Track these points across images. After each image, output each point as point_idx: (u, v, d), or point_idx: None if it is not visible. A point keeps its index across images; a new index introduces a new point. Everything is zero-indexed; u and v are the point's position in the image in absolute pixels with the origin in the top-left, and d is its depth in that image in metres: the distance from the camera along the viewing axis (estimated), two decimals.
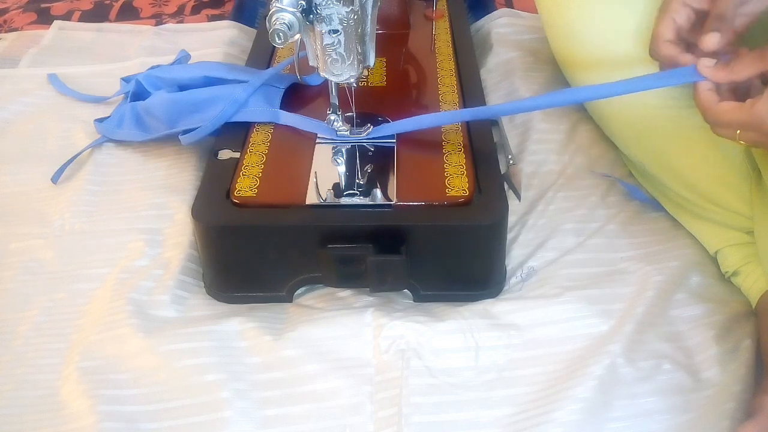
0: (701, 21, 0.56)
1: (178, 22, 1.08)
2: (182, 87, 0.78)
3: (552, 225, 0.73)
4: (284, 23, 0.55)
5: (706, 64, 0.54)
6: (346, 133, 0.69)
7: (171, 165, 0.79)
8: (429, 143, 0.69)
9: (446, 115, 0.71)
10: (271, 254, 0.63)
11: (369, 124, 0.69)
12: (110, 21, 1.10)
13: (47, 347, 0.62)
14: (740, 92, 0.55)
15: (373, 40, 0.62)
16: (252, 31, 1.04)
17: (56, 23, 1.07)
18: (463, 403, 0.57)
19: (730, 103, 0.53)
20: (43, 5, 1.14)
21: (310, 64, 0.63)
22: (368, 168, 0.66)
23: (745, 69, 0.52)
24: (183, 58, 0.91)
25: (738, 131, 0.53)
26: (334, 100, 0.67)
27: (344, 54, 0.60)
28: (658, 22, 0.59)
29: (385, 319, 0.61)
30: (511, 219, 0.72)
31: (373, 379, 0.59)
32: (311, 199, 0.63)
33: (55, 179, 0.77)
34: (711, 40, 0.54)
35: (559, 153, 0.80)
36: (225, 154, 0.68)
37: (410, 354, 0.60)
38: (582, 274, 0.67)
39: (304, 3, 0.56)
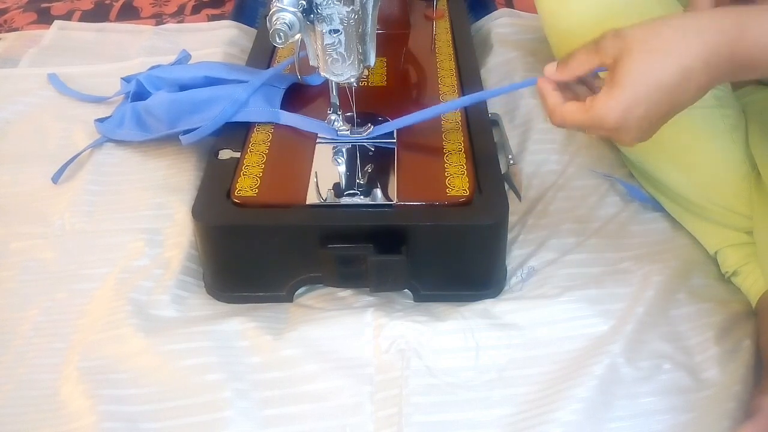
0: None
1: (178, 22, 1.08)
2: (183, 87, 0.78)
3: (552, 225, 0.73)
4: (285, 23, 0.55)
5: (549, 70, 0.54)
6: (346, 132, 0.69)
7: (171, 165, 0.79)
8: (429, 143, 0.69)
9: (443, 106, 0.70)
10: (272, 254, 0.63)
11: (369, 124, 0.69)
12: (110, 21, 1.10)
13: (47, 347, 0.62)
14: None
15: (373, 39, 0.62)
16: (252, 31, 1.04)
17: (56, 23, 1.07)
18: (463, 403, 0.57)
19: (572, 105, 0.52)
20: (43, 5, 1.14)
21: (311, 63, 0.63)
22: (369, 168, 0.66)
23: (580, 66, 0.52)
24: (183, 58, 0.91)
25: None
26: (335, 99, 0.67)
27: (345, 54, 0.60)
28: None
29: (386, 318, 0.61)
30: (511, 219, 0.72)
31: (373, 379, 0.59)
32: (312, 199, 0.63)
33: (55, 179, 0.77)
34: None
35: (559, 153, 0.80)
36: (225, 154, 0.68)
37: (410, 354, 0.60)
38: (582, 274, 0.67)
39: (304, 3, 0.56)
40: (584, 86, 0.55)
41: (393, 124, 0.68)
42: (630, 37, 0.48)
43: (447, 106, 0.70)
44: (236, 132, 0.71)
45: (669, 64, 0.47)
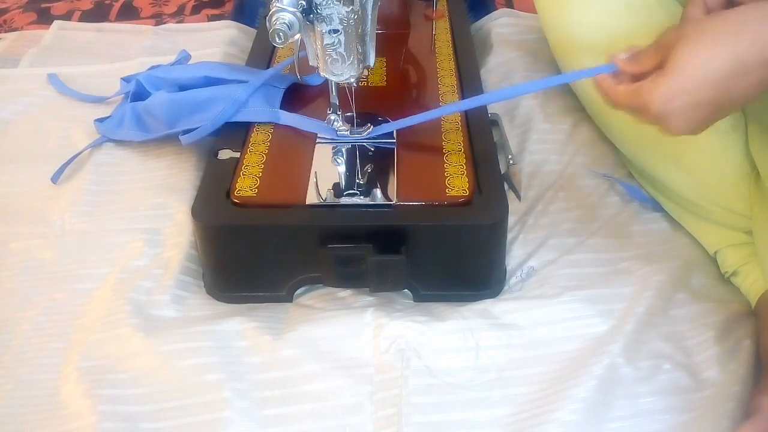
0: (733, 4, 0.53)
1: (178, 22, 1.08)
2: (182, 87, 0.78)
3: (552, 225, 0.73)
4: (284, 23, 0.55)
5: (620, 57, 0.53)
6: (346, 133, 0.69)
7: (171, 165, 0.79)
8: (429, 143, 0.69)
9: (443, 108, 0.70)
10: (271, 254, 0.63)
11: (369, 124, 0.69)
12: (110, 21, 1.10)
13: (47, 347, 0.62)
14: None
15: (373, 39, 0.62)
16: (252, 31, 1.04)
17: (56, 23, 1.07)
18: (463, 403, 0.58)
19: (623, 88, 0.51)
20: (43, 5, 1.14)
21: (311, 64, 0.63)
22: (368, 168, 0.66)
23: (648, 60, 0.50)
24: (183, 59, 0.91)
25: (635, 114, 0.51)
26: (334, 100, 0.67)
27: (344, 54, 0.60)
28: (689, 2, 0.56)
29: (385, 318, 0.61)
30: (511, 219, 0.72)
31: (373, 379, 0.59)
32: (311, 198, 0.63)
33: (55, 179, 0.77)
34: None
35: (559, 153, 0.80)
36: (225, 154, 0.68)
37: (410, 354, 0.60)
38: (582, 274, 0.67)
39: (304, 3, 0.56)
40: None
41: (393, 125, 0.68)
42: (687, 25, 0.47)
43: (448, 108, 0.70)
44: (236, 132, 0.71)
45: (721, 53, 0.45)
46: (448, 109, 0.70)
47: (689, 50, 0.46)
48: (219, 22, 1.07)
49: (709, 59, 0.45)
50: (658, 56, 0.49)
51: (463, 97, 0.76)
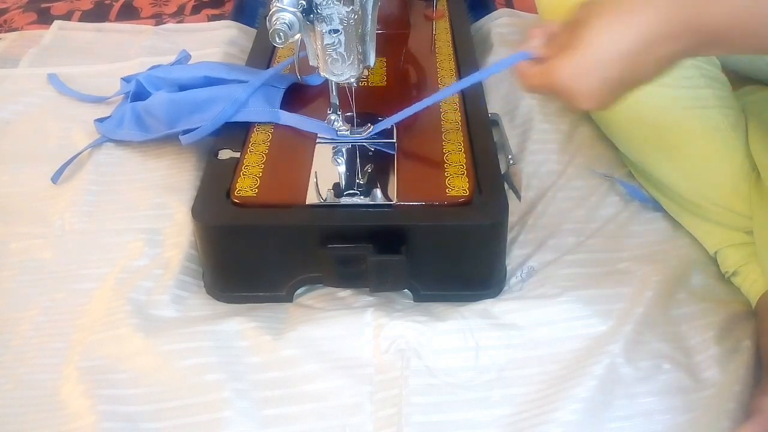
0: None
1: (178, 22, 1.08)
2: (182, 87, 0.78)
3: (552, 225, 0.73)
4: (285, 23, 0.55)
5: (534, 43, 0.52)
6: (346, 132, 0.69)
7: (171, 165, 0.79)
8: (429, 143, 0.69)
9: (437, 95, 0.69)
10: (271, 254, 0.63)
11: (369, 124, 0.69)
12: (110, 21, 1.10)
13: (47, 347, 0.62)
14: None
15: (373, 39, 0.62)
16: (252, 31, 1.04)
17: (56, 23, 1.07)
18: (463, 402, 0.58)
19: (536, 68, 0.51)
20: (43, 5, 1.14)
21: (311, 64, 0.63)
22: (368, 168, 0.66)
23: (562, 39, 0.49)
24: (183, 59, 0.91)
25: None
26: (335, 99, 0.67)
27: (344, 54, 0.60)
28: None
29: (385, 318, 0.61)
30: (511, 219, 0.72)
31: (373, 379, 0.59)
32: (311, 199, 0.63)
33: (55, 179, 0.77)
34: None
35: (559, 153, 0.81)
36: (225, 154, 0.68)
37: (410, 354, 0.60)
38: (582, 274, 0.67)
39: (304, 3, 0.56)
40: None
41: (393, 119, 0.68)
42: (597, 2, 0.47)
43: (443, 93, 0.69)
44: (236, 132, 0.71)
45: (629, 32, 0.45)
46: (443, 93, 0.68)
47: (597, 28, 0.46)
48: (219, 22, 1.07)
49: (617, 38, 0.45)
50: (571, 34, 0.48)
51: (463, 97, 0.75)
